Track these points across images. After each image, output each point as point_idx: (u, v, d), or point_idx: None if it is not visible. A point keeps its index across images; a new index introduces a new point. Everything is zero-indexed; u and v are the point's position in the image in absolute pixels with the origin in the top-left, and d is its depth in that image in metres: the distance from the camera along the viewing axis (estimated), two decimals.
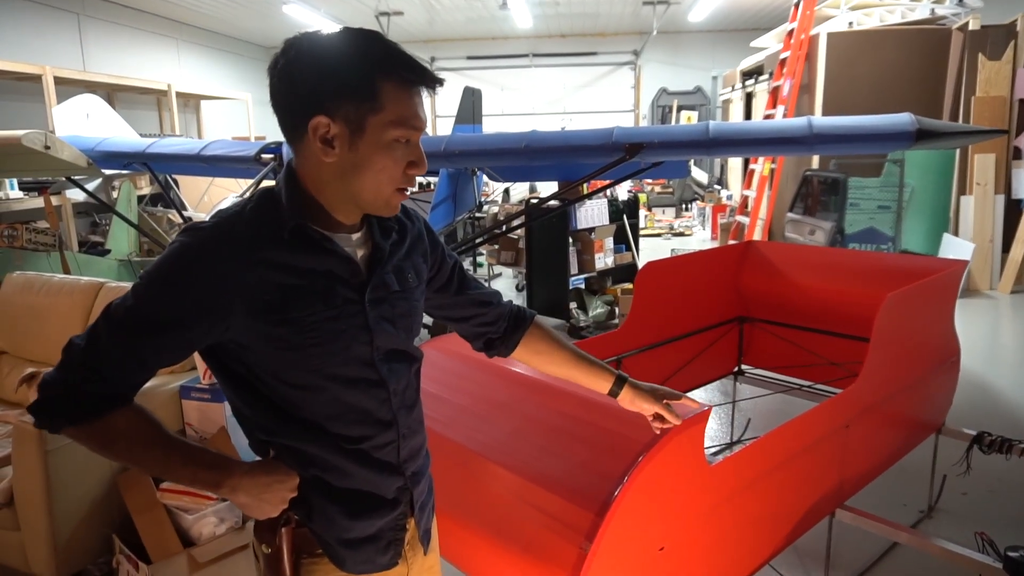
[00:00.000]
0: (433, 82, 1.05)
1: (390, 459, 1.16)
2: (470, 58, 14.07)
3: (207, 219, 1.06)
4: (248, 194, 4.15)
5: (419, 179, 9.02)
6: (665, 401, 1.40)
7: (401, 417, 1.17)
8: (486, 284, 1.42)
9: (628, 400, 1.40)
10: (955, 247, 6.68)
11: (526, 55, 14.08)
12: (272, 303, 1.02)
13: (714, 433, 3.69)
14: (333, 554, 1.14)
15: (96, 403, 1.00)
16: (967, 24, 7.01)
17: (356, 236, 1.13)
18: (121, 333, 1.00)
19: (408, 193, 1.10)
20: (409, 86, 1.02)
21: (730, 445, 3.54)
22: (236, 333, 1.03)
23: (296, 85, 1.01)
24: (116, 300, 1.02)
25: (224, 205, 4.35)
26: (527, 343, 1.40)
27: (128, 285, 3.12)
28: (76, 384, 0.99)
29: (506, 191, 9.94)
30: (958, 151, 7.05)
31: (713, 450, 3.47)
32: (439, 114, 14.30)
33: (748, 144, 3.47)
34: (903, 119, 2.92)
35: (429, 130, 14.10)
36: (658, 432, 1.43)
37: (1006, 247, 6.91)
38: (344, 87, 0.99)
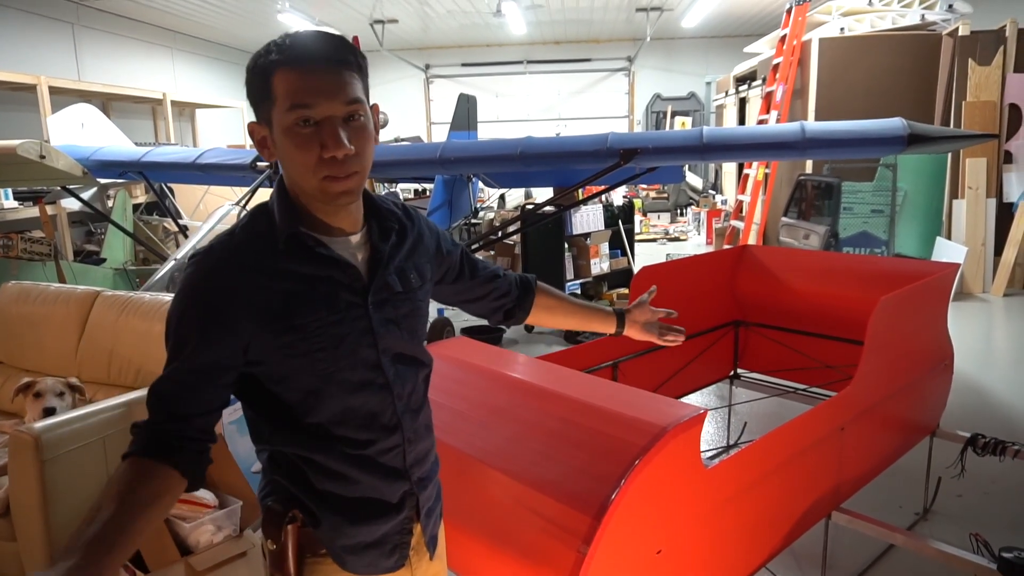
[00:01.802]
0: (323, 59, 1.01)
1: (396, 464, 1.17)
2: (465, 65, 14.11)
3: (207, 245, 1.09)
4: (244, 202, 4.16)
5: (415, 186, 9.05)
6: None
7: (406, 421, 1.18)
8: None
9: (636, 330, 1.64)
10: (948, 250, 6.72)
11: (520, 62, 14.12)
12: (277, 311, 1.04)
13: (711, 437, 3.70)
14: (336, 555, 1.15)
15: (156, 440, 1.03)
16: (957, 30, 7.07)
17: (355, 239, 1.14)
18: (168, 363, 1.05)
19: (352, 179, 1.04)
20: (297, 69, 1.01)
21: (727, 448, 3.55)
22: (253, 350, 1.05)
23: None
24: None
25: (220, 212, 4.35)
26: (538, 303, 1.52)
27: (124, 293, 3.12)
28: (152, 421, 1.04)
29: (502, 197, 9.96)
30: (950, 155, 7.10)
31: (710, 454, 3.48)
32: (434, 121, 14.33)
33: (742, 149, 3.50)
34: (895, 124, 2.95)
35: (424, 137, 14.19)
36: (672, 342, 1.66)
37: (998, 250, 6.95)
38: (253, 92, 1.06)
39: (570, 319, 1.58)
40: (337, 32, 1.11)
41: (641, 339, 1.66)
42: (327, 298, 1.07)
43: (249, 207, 4.05)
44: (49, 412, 2.45)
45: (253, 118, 1.10)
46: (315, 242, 1.08)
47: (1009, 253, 6.80)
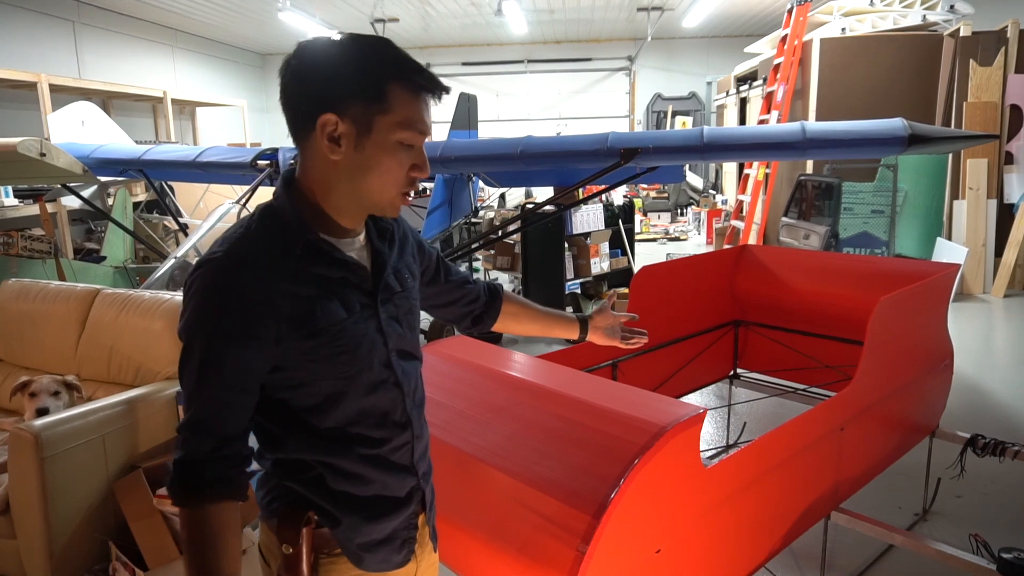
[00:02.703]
0: (440, 89, 1.07)
1: (404, 460, 1.19)
2: (465, 64, 14.11)
3: (214, 248, 1.05)
4: (244, 200, 4.16)
5: None
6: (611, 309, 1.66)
7: (414, 417, 1.20)
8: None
9: (598, 336, 1.65)
10: (948, 251, 6.72)
11: (521, 61, 14.12)
12: (300, 317, 1.04)
13: (710, 436, 3.70)
14: (353, 554, 1.16)
15: (211, 470, 1.02)
16: (958, 30, 7.07)
17: (359, 241, 1.15)
18: (204, 389, 1.02)
19: (410, 197, 1.12)
20: (417, 91, 1.04)
21: (726, 448, 3.55)
22: (276, 358, 1.04)
23: (307, 83, 1.03)
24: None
25: (221, 211, 4.34)
26: (504, 310, 1.55)
27: (124, 291, 3.12)
28: (206, 455, 1.02)
29: (502, 196, 9.96)
30: (951, 156, 7.10)
31: (709, 453, 3.48)
32: (435, 120, 14.26)
33: (742, 149, 3.49)
34: (895, 124, 2.95)
35: None
36: (635, 344, 1.67)
37: (999, 251, 6.95)
38: (354, 87, 1.01)
39: (534, 325, 1.61)
40: (336, 30, 1.11)
41: (604, 344, 1.67)
42: (342, 300, 1.08)
43: (250, 205, 4.05)
44: (42, 412, 2.45)
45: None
46: (330, 246, 1.09)
47: (1010, 254, 6.80)
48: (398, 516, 1.19)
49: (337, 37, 1.04)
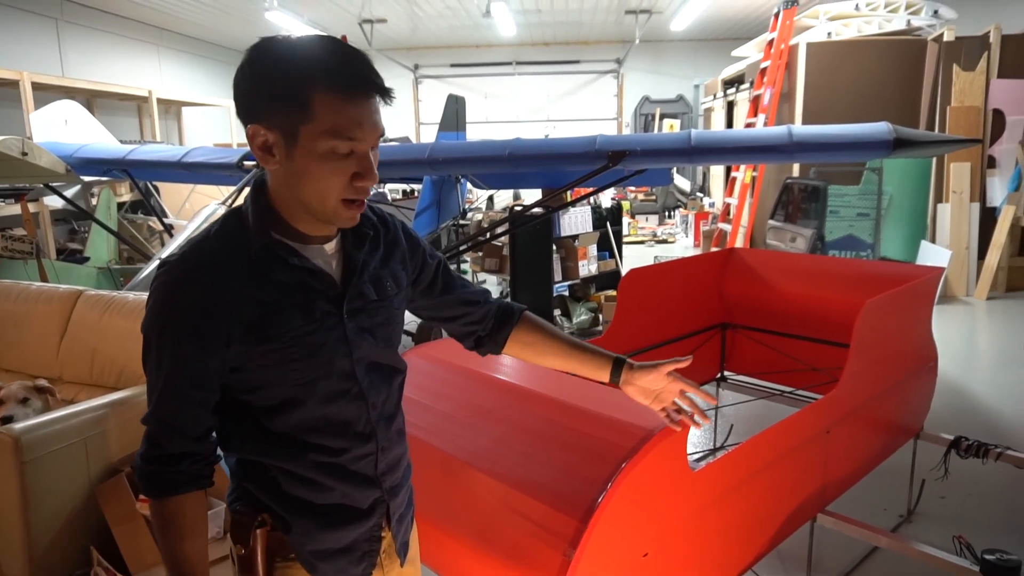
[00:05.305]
0: (376, 91, 1.00)
1: (367, 472, 1.16)
2: (454, 66, 14.10)
3: (177, 250, 1.06)
4: (231, 200, 4.13)
5: (403, 186, 9.05)
6: (671, 371, 1.32)
7: (380, 430, 1.17)
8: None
9: (635, 392, 1.34)
10: (933, 254, 6.78)
11: (510, 63, 14.13)
12: (253, 321, 1.03)
13: (697, 439, 3.71)
14: (306, 561, 1.14)
15: (181, 469, 1.05)
16: (942, 35, 7.15)
17: (330, 246, 1.12)
18: (161, 385, 1.04)
19: (364, 204, 1.07)
20: (345, 96, 0.97)
21: (713, 451, 3.56)
22: (232, 357, 1.04)
23: (240, 93, 1.02)
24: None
25: (206, 211, 4.31)
26: (516, 337, 1.37)
27: (107, 292, 3.08)
28: (173, 454, 1.05)
29: (490, 198, 9.95)
30: (934, 160, 7.17)
31: (696, 456, 3.48)
32: (423, 121, 14.30)
33: (729, 152, 3.50)
34: (880, 128, 2.97)
35: (412, 137, 14.14)
36: (676, 423, 1.36)
37: (982, 254, 7.02)
38: (275, 95, 0.98)
39: (554, 359, 1.37)
40: (324, 32, 1.09)
41: (638, 400, 1.37)
42: (303, 307, 1.06)
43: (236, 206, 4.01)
44: (7, 421, 2.39)
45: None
46: (288, 251, 1.06)
47: (992, 257, 6.88)
48: (358, 527, 1.16)
49: (281, 39, 1.01)
